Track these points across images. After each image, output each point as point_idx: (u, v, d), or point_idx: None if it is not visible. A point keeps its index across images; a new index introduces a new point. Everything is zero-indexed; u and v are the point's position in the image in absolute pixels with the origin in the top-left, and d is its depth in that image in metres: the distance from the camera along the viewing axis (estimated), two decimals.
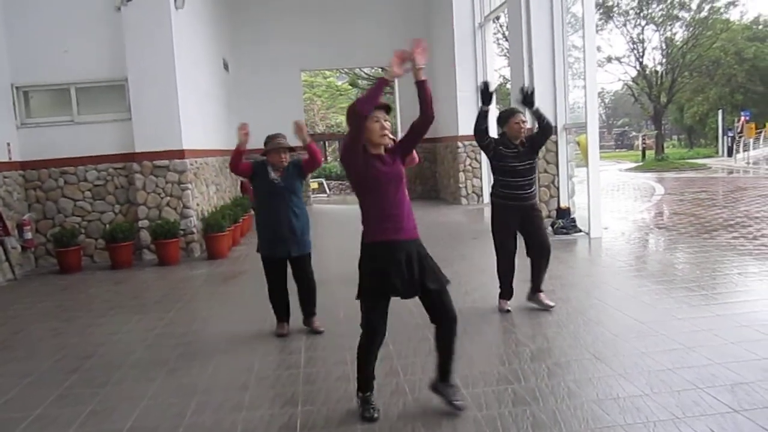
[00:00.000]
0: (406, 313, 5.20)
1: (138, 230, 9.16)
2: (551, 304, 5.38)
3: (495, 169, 5.33)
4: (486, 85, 5.20)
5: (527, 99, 5.29)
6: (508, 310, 5.37)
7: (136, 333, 5.55)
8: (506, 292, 5.48)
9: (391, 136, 3.46)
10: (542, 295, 5.44)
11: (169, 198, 9.22)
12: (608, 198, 15.26)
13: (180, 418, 3.63)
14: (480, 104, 5.24)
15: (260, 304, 5.55)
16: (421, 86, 3.39)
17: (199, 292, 7.09)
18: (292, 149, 5.14)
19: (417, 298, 3.46)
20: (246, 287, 7.12)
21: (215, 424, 3.54)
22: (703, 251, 7.62)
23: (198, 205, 9.73)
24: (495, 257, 5.46)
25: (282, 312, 5.21)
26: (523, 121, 5.21)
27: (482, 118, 5.19)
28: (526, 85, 4.79)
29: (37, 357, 5.00)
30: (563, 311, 5.31)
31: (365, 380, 3.52)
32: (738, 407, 3.33)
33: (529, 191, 5.27)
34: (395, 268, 3.33)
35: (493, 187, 5.41)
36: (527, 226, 5.33)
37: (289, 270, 5.18)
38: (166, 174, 9.17)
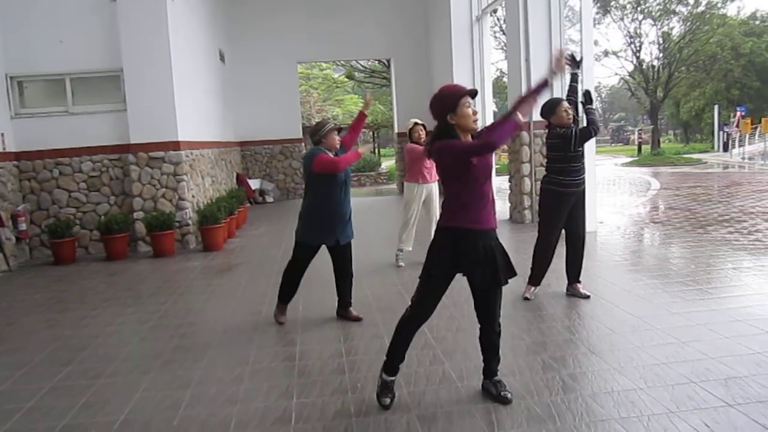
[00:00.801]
0: (402, 307, 5.19)
1: (133, 222, 9.13)
2: (587, 293, 5.52)
3: (551, 159, 5.42)
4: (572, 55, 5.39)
5: (587, 100, 5.46)
6: (528, 298, 5.50)
7: (130, 325, 5.53)
8: (539, 280, 5.60)
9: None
10: (580, 286, 5.59)
11: (164, 190, 9.18)
12: (604, 192, 15.27)
13: (174, 411, 3.62)
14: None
15: (255, 297, 5.54)
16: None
17: (194, 284, 7.07)
18: (339, 129, 5.10)
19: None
20: (241, 279, 7.10)
21: (209, 416, 3.53)
22: (699, 246, 7.64)
23: (193, 196, 9.70)
24: (534, 246, 5.60)
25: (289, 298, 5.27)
26: (569, 108, 5.29)
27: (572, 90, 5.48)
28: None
29: (30, 349, 4.98)
30: (558, 305, 5.31)
31: (397, 362, 3.54)
32: (732, 401, 3.34)
33: (581, 177, 5.34)
34: (474, 254, 3.33)
35: (547, 175, 5.45)
36: (575, 214, 5.44)
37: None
38: (161, 165, 9.13)
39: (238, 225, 10.87)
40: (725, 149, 30.54)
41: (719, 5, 34.60)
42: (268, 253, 8.58)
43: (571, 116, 5.27)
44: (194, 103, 10.51)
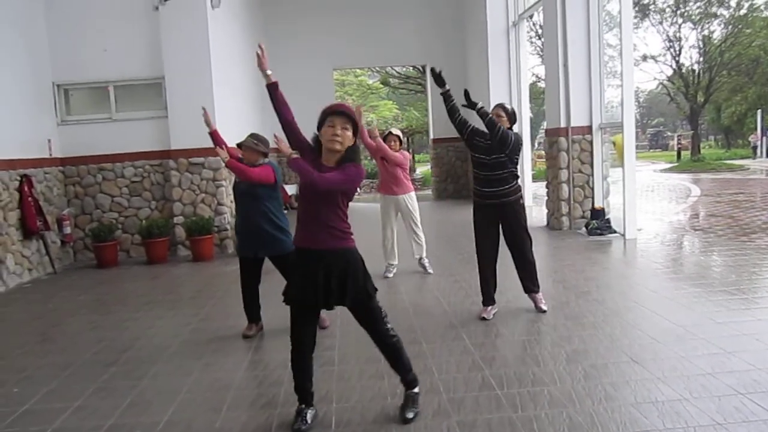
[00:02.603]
0: (440, 313, 5.19)
1: (173, 226, 9.31)
2: (544, 308, 5.29)
3: (471, 163, 5.27)
4: (434, 69, 5.04)
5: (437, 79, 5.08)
6: (484, 318, 5.17)
7: (171, 328, 5.63)
8: (486, 299, 5.30)
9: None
10: (537, 296, 5.35)
11: (203, 195, 9.34)
12: (643, 199, 15.02)
13: (216, 413, 3.68)
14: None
15: None
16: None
17: (233, 288, 7.13)
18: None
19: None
20: (278, 283, 7.08)
21: (250, 419, 3.58)
22: (742, 254, 7.46)
23: (232, 202, 9.82)
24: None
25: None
26: (498, 115, 5.12)
27: (446, 98, 5.09)
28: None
29: (75, 349, 5.11)
30: (599, 313, 5.24)
31: (299, 392, 3.50)
32: None
33: (504, 188, 5.11)
34: (311, 277, 3.31)
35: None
36: (504, 227, 5.24)
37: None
38: (201, 171, 9.29)
39: None
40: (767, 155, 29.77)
41: (762, 8, 33.80)
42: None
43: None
44: (233, 109, 10.66)
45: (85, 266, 9.06)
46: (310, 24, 15.73)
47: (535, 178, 16.52)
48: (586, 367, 4.07)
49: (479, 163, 5.16)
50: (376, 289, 3.44)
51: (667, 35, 34.36)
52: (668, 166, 30.15)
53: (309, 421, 3.41)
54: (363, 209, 16.71)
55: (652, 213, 12.22)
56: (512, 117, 5.23)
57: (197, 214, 9.24)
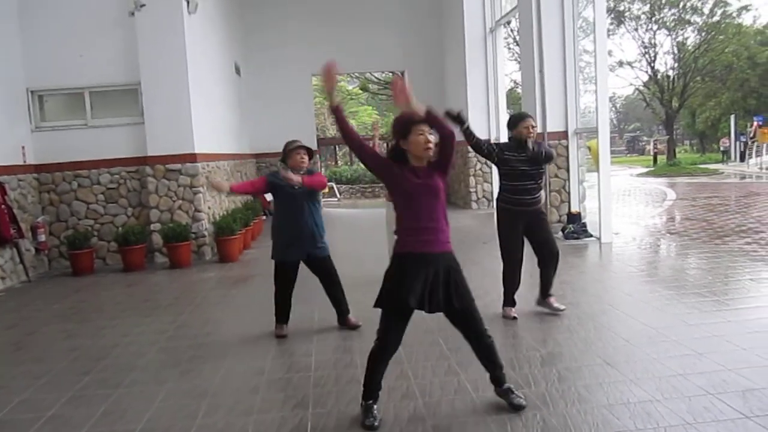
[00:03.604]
0: (417, 317, 5.20)
1: (150, 233, 9.23)
2: (561, 307, 5.39)
3: (503, 175, 5.34)
4: (449, 113, 5.14)
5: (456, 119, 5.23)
6: (515, 317, 5.34)
7: (148, 335, 5.59)
8: (510, 300, 5.46)
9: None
10: (552, 299, 5.44)
11: (181, 201, 9.28)
12: (619, 203, 15.20)
13: (192, 420, 3.66)
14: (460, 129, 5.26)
15: (270, 307, 5.56)
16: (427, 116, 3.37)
17: (211, 295, 7.13)
18: (310, 152, 5.18)
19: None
20: (257, 290, 7.15)
21: (227, 426, 3.56)
22: (715, 257, 7.59)
23: (209, 208, 9.79)
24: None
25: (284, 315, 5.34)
26: (533, 126, 5.22)
27: (468, 135, 5.18)
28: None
29: (50, 358, 5.05)
30: (574, 316, 5.30)
31: (371, 389, 3.53)
32: (749, 413, 3.32)
33: (535, 196, 5.26)
34: (421, 281, 3.34)
35: (499, 193, 5.41)
36: (535, 233, 5.34)
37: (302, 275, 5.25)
38: (178, 177, 9.24)
39: (253, 236, 10.94)
40: (742, 159, 30.28)
41: (734, 15, 34.44)
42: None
43: (532, 133, 5.19)
44: (210, 116, 10.62)
45: (60, 274, 8.96)
46: (290, 31, 15.73)
47: None
48: (561, 369, 4.12)
49: (514, 174, 5.23)
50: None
51: (643, 42, 34.93)
52: (645, 170, 30.58)
53: (377, 417, 3.46)
54: (340, 215, 16.70)
55: (628, 217, 12.38)
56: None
57: (174, 220, 9.18)
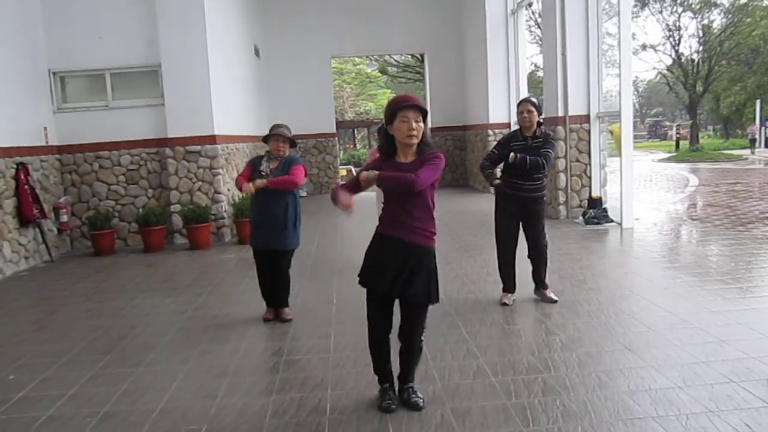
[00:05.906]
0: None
1: (170, 214, 9.30)
2: (555, 298, 5.32)
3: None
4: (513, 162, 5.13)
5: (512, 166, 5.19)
6: (505, 304, 5.26)
7: (168, 315, 5.64)
8: (508, 286, 5.40)
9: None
10: (547, 290, 5.39)
11: (200, 183, 9.32)
12: (640, 188, 15.02)
13: (211, 400, 3.69)
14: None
15: (290, 289, 5.59)
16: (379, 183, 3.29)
17: (230, 276, 7.17)
18: (293, 142, 5.15)
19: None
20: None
21: (246, 406, 3.59)
22: (739, 243, 7.47)
23: (229, 190, 9.82)
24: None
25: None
26: (529, 111, 5.10)
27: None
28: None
29: (72, 337, 5.11)
30: (594, 301, 5.25)
31: (380, 373, 3.53)
32: None
33: (530, 184, 5.17)
34: (390, 265, 3.31)
35: (501, 174, 5.37)
36: (525, 222, 5.29)
37: None
38: (198, 159, 9.27)
39: None
40: (767, 145, 29.71)
41: None
42: (301, 246, 8.63)
43: (528, 119, 5.09)
44: (230, 98, 10.62)
45: (82, 254, 9.06)
46: (309, 12, 15.64)
47: None
48: (581, 354, 4.08)
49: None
50: (437, 300, 3.45)
51: (667, 24, 34.25)
52: (667, 155, 30.16)
53: (395, 399, 3.46)
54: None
55: (649, 202, 12.24)
56: (540, 109, 5.21)
57: (194, 202, 9.22)
